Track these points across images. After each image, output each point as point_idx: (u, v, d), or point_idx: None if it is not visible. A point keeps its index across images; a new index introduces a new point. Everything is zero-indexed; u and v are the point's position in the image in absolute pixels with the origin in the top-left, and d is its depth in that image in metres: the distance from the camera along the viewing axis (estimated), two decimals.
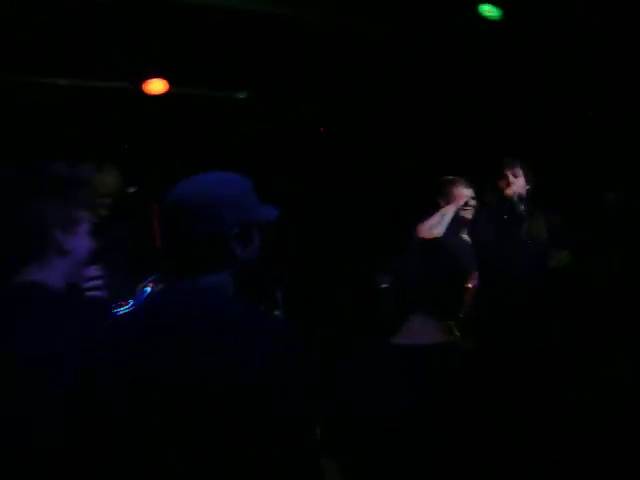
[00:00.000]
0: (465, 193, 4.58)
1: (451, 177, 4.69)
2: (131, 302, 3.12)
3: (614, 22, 4.64)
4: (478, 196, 4.69)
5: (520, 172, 4.57)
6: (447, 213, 4.39)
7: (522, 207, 4.50)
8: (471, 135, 5.96)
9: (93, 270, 2.41)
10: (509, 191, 4.53)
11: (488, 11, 4.62)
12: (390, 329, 2.29)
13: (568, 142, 5.39)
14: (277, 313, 4.18)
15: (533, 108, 5.60)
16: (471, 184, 4.68)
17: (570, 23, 4.72)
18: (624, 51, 4.78)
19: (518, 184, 4.54)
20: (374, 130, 6.36)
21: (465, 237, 4.65)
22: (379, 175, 6.30)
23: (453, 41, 5.23)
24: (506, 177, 4.56)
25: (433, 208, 4.52)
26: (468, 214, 4.61)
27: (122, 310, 2.96)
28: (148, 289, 3.40)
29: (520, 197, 4.51)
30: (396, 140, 6.30)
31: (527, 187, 4.57)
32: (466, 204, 4.57)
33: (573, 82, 5.18)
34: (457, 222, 4.50)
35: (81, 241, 2.13)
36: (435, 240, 2.61)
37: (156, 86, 5.72)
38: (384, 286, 4.14)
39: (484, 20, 4.65)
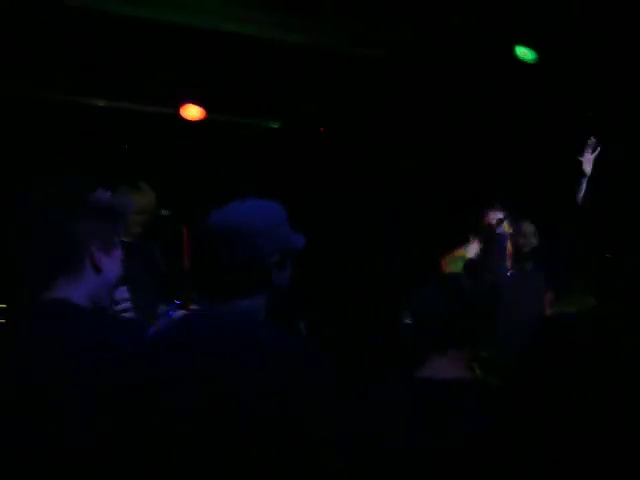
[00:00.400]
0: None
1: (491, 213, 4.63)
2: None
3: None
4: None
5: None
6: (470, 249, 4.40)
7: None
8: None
9: (122, 292, 2.44)
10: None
11: (523, 54, 4.67)
12: (412, 363, 2.31)
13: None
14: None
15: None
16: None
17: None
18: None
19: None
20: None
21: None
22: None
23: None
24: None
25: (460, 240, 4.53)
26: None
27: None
28: (172, 312, 3.42)
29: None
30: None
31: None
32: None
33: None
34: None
35: (114, 264, 2.14)
36: (457, 275, 2.60)
37: (192, 112, 5.84)
38: (407, 321, 4.13)
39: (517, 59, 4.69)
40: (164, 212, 4.43)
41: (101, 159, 5.22)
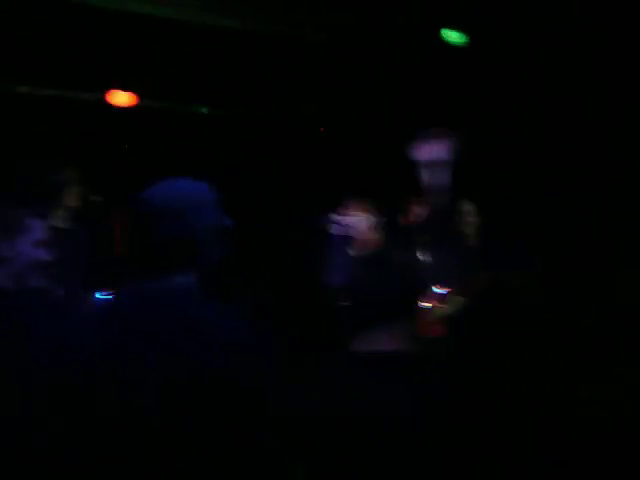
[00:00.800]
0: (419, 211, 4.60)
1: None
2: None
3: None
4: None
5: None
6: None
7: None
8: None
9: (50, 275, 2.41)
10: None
11: (449, 36, 4.73)
12: (351, 339, 2.36)
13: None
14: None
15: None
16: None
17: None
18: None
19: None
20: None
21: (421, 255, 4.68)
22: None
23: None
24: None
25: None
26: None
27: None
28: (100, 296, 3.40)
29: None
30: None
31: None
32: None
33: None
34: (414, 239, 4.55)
35: (25, 247, 2.15)
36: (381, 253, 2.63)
37: (121, 98, 5.77)
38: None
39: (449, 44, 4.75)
40: (95, 198, 4.38)
41: (30, 146, 5.13)
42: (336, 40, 5.34)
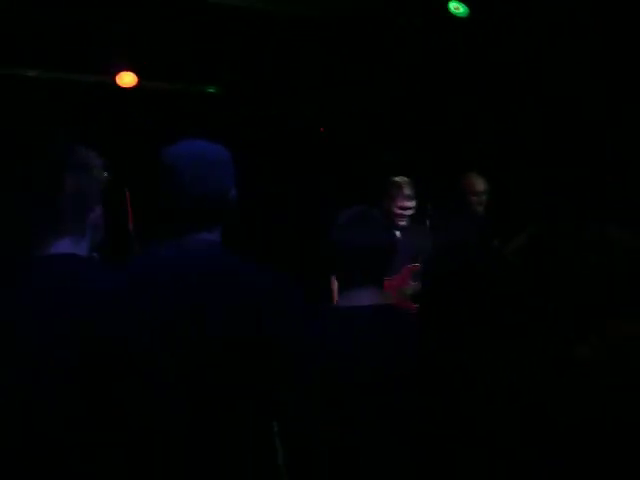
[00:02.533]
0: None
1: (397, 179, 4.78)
2: None
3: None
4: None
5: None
6: None
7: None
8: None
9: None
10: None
11: (455, 8, 4.75)
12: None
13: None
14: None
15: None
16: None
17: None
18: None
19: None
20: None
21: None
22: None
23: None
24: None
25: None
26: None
27: None
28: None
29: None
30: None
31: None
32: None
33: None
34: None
35: (102, 219, 2.20)
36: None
37: (128, 79, 5.80)
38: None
39: (453, 18, 4.77)
40: (105, 176, 4.40)
41: (38, 129, 5.15)
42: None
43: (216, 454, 1.78)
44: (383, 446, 2.15)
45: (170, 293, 1.80)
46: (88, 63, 5.59)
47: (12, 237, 2.05)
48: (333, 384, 2.18)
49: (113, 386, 1.80)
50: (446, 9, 4.78)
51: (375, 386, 2.16)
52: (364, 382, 2.17)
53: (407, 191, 4.67)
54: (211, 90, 6.44)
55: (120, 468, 1.80)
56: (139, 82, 5.86)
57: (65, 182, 2.06)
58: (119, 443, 1.82)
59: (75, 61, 5.54)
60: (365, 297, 2.34)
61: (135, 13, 5.10)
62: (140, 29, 5.24)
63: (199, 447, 1.78)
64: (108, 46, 5.40)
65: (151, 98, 6.04)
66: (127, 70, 5.81)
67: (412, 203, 4.68)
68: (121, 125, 5.76)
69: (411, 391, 2.07)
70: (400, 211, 4.66)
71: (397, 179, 4.74)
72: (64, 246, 2.05)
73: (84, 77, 5.83)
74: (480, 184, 5.16)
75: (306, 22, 5.43)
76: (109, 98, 5.82)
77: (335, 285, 4.17)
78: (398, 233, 4.63)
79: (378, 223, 2.46)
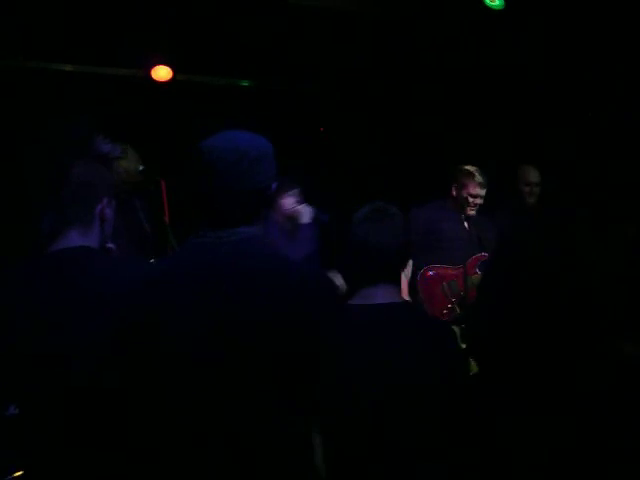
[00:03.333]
0: None
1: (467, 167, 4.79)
2: None
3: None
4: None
5: None
6: None
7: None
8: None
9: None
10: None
11: (491, 0, 4.72)
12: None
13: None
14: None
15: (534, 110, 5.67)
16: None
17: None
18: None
19: None
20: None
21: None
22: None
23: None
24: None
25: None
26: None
27: None
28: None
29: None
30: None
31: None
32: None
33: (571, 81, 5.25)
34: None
35: (112, 211, 2.25)
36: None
37: (162, 73, 5.84)
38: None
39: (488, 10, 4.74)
40: (141, 168, 4.43)
41: (75, 123, 5.19)
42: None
43: (252, 453, 1.77)
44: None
45: (207, 287, 1.79)
46: (123, 57, 5.64)
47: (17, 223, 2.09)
48: (355, 384, 2.19)
49: (146, 378, 1.82)
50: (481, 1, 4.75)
51: (395, 388, 2.17)
52: (383, 383, 2.17)
53: (479, 179, 4.68)
54: (245, 84, 6.45)
55: (153, 459, 1.83)
56: (174, 76, 5.90)
57: (71, 172, 2.08)
58: (153, 438, 1.83)
59: (110, 55, 5.60)
60: (380, 295, 2.33)
61: (170, 7, 5.14)
62: (176, 23, 5.28)
63: (235, 446, 1.77)
64: (144, 40, 5.45)
65: (186, 91, 6.06)
66: (162, 64, 5.84)
67: (483, 191, 4.68)
68: (156, 119, 5.79)
69: (436, 398, 2.07)
70: (472, 199, 4.66)
71: (468, 167, 4.74)
72: (73, 239, 2.09)
73: (119, 71, 5.87)
74: (535, 175, 5.22)
75: (342, 16, 5.43)
76: (144, 91, 5.85)
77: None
78: (465, 223, 4.66)
79: (395, 220, 2.44)
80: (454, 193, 4.73)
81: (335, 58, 5.87)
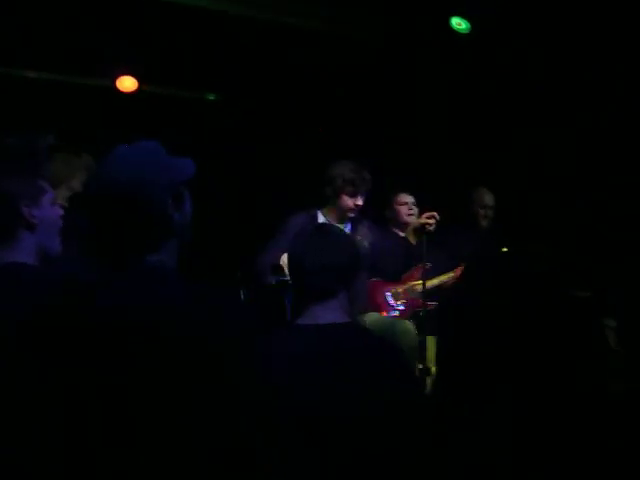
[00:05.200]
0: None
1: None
2: None
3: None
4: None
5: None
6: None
7: None
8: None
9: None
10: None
11: (457, 24, 4.76)
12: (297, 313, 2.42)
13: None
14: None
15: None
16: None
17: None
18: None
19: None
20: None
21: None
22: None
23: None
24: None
25: None
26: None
27: None
28: None
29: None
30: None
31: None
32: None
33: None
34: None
35: (47, 211, 2.13)
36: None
37: (127, 83, 5.79)
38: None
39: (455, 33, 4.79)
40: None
41: (36, 130, 5.12)
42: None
43: None
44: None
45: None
46: (88, 66, 5.60)
47: None
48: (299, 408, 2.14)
49: None
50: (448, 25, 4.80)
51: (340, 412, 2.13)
52: (328, 407, 2.14)
53: (411, 199, 5.00)
54: (211, 97, 6.43)
55: None
56: (139, 87, 5.86)
57: None
58: None
59: (75, 64, 5.55)
60: (326, 314, 2.32)
61: (138, 18, 5.11)
62: (142, 34, 5.25)
63: None
64: (109, 50, 5.41)
65: (150, 103, 6.02)
66: (128, 74, 5.80)
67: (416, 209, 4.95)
68: (120, 129, 5.74)
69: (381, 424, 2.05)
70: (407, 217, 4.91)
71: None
72: None
73: (84, 80, 5.81)
74: (489, 199, 5.38)
75: (307, 34, 5.44)
76: (109, 102, 5.80)
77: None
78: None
79: (339, 238, 2.44)
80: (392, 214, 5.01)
81: (303, 75, 5.87)
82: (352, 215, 4.48)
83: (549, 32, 4.87)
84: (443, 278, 4.61)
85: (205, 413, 1.59)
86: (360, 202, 4.40)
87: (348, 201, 4.37)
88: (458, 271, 4.46)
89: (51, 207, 2.17)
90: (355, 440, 2.10)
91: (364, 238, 4.37)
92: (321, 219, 4.50)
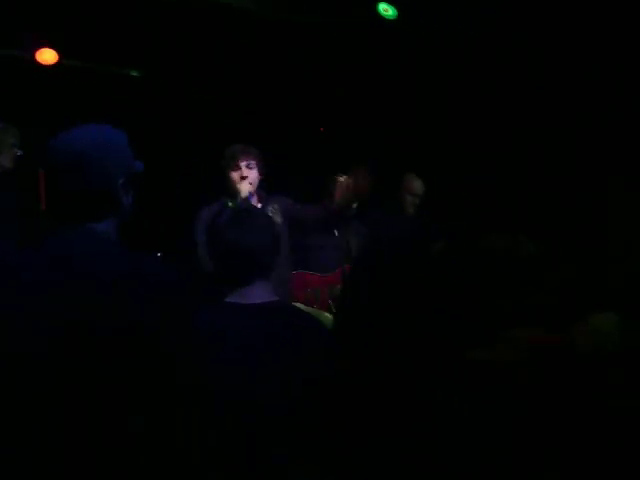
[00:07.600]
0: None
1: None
2: None
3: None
4: None
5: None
6: None
7: None
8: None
9: None
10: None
11: (384, 10, 4.79)
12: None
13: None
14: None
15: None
16: None
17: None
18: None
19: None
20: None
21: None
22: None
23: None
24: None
25: None
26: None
27: None
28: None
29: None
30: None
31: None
32: None
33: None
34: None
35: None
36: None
37: (48, 56, 5.65)
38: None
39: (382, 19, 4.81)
40: (19, 153, 4.31)
41: None
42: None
43: None
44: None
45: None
46: (7, 37, 5.43)
47: None
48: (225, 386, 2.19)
49: None
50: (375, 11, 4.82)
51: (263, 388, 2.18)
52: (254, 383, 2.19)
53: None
54: (134, 73, 6.32)
55: None
56: (59, 60, 5.72)
57: None
58: None
59: None
60: (256, 294, 2.38)
61: None
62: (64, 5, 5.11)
63: None
64: (28, 21, 5.25)
65: (72, 77, 5.88)
66: (47, 47, 5.65)
67: None
68: (39, 103, 5.60)
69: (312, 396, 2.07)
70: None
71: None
72: None
73: (2, 51, 5.64)
74: (419, 187, 5.35)
75: (233, 11, 5.40)
76: (28, 74, 5.64)
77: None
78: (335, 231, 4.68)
79: (260, 219, 2.51)
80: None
81: (228, 55, 5.83)
82: (248, 190, 4.21)
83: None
84: None
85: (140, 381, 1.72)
86: (246, 173, 4.19)
87: (234, 175, 4.25)
88: None
89: None
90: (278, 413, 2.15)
91: (275, 214, 4.26)
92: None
